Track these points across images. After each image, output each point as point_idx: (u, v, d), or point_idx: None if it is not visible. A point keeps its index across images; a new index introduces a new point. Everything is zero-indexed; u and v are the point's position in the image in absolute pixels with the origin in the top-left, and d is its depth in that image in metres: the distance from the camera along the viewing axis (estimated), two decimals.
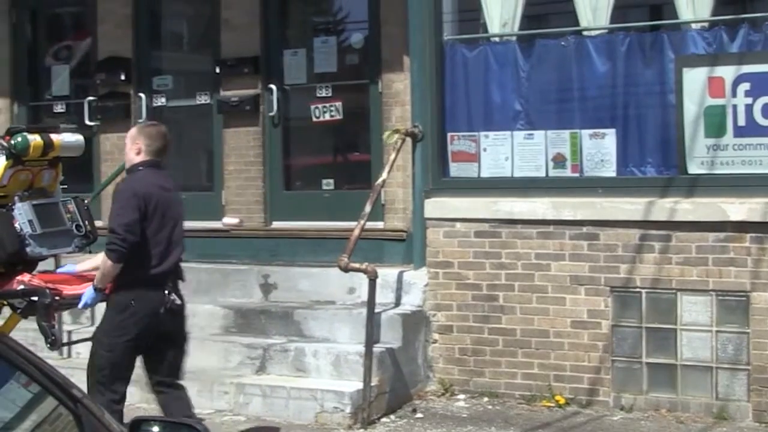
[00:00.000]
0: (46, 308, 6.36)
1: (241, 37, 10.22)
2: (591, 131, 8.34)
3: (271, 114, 10.16)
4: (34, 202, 6.67)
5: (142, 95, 10.84)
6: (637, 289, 7.98)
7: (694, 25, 8.06)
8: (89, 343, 6.83)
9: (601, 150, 8.29)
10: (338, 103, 9.90)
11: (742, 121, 7.78)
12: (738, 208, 7.66)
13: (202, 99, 10.67)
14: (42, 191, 6.85)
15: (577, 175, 8.38)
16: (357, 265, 8.17)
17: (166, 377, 6.62)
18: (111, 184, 9.39)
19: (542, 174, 8.49)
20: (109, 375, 6.43)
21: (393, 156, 8.70)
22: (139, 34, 10.96)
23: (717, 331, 7.73)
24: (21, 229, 6.55)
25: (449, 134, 8.81)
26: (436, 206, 8.69)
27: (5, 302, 6.62)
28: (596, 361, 8.09)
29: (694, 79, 7.92)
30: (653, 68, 8.18)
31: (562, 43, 8.51)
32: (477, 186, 8.68)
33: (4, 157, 6.63)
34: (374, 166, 9.48)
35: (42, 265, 6.99)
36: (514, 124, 8.64)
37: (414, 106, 8.93)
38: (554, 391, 8.18)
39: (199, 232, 10.15)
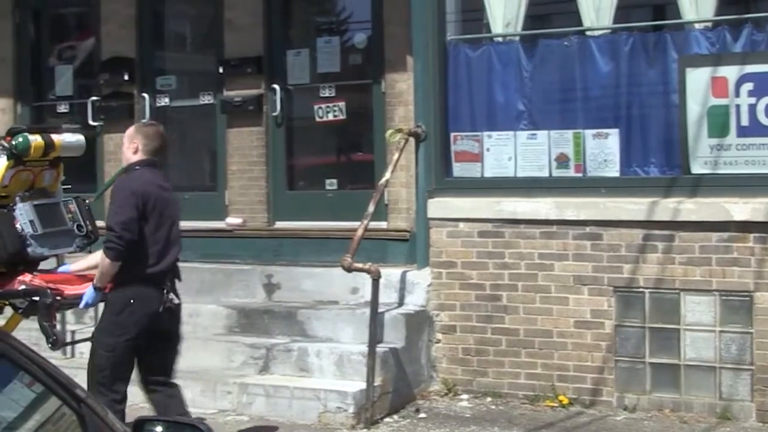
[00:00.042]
0: (47, 308, 6.38)
1: (245, 37, 10.22)
2: (594, 131, 8.34)
3: (274, 114, 10.16)
4: (36, 203, 6.68)
5: (146, 95, 10.85)
6: (641, 289, 7.97)
7: (697, 25, 8.05)
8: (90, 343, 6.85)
9: (604, 150, 8.28)
10: (341, 103, 9.90)
11: (745, 121, 7.77)
12: (741, 208, 7.65)
13: (206, 99, 10.67)
14: (43, 191, 6.86)
15: (580, 175, 8.38)
16: (360, 265, 8.18)
17: (161, 376, 6.63)
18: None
19: (545, 174, 8.48)
20: (110, 375, 6.43)
21: (396, 156, 8.70)
22: (142, 35, 10.96)
23: (720, 331, 7.73)
24: (22, 230, 6.57)
25: (452, 134, 8.81)
26: (439, 206, 8.69)
27: (7, 302, 6.64)
28: (599, 361, 8.09)
29: (698, 79, 7.91)
30: (656, 68, 8.17)
31: (565, 43, 8.51)
32: (480, 186, 8.67)
33: (5, 158, 6.64)
34: (377, 166, 9.48)
35: (43, 265, 7.00)
36: (518, 124, 8.63)
37: (417, 106, 8.93)
38: (558, 391, 8.18)
39: (203, 232, 10.18)
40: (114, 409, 5.96)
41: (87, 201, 7.14)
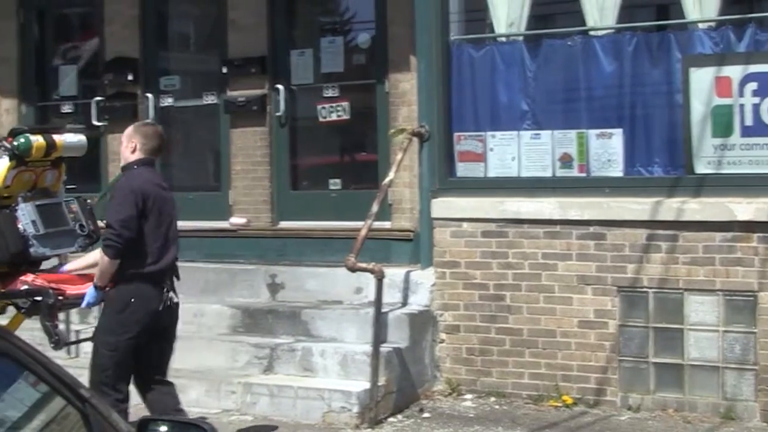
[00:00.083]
0: (49, 308, 6.40)
1: (248, 38, 10.23)
2: (598, 131, 8.34)
3: (278, 114, 10.16)
4: (38, 203, 6.70)
5: (150, 95, 10.86)
6: (644, 289, 7.97)
7: (701, 25, 8.05)
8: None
9: (608, 150, 8.28)
10: (345, 103, 9.90)
11: (749, 121, 7.77)
12: (745, 208, 7.65)
13: (210, 99, 10.68)
14: (45, 191, 6.88)
15: (584, 175, 8.38)
16: (364, 265, 8.18)
17: (156, 374, 6.66)
18: None
19: (549, 174, 8.48)
20: (113, 374, 6.44)
21: (400, 156, 8.70)
22: (146, 35, 10.97)
23: (724, 331, 7.73)
24: (24, 230, 6.58)
25: (456, 134, 8.81)
26: (443, 206, 8.69)
27: (10, 302, 6.66)
28: (603, 360, 8.09)
29: (701, 78, 7.91)
30: (660, 68, 8.17)
31: (569, 43, 8.51)
32: (484, 186, 8.67)
33: (7, 158, 6.66)
34: (381, 166, 9.49)
35: (44, 265, 7.01)
36: (521, 124, 8.63)
37: (421, 106, 8.94)
38: (561, 390, 8.18)
39: (207, 232, 10.19)
40: (118, 409, 5.96)
41: (89, 201, 7.16)
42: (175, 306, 6.64)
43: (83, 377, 6.22)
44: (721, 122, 7.84)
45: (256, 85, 10.23)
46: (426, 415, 8.08)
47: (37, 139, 6.67)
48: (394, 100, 9.50)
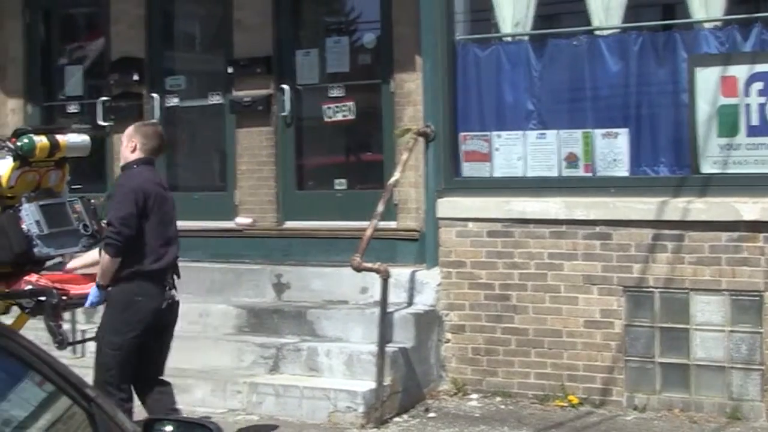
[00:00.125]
0: (53, 308, 6.42)
1: (254, 38, 10.23)
2: (603, 131, 8.33)
3: (283, 114, 10.17)
4: (41, 203, 6.72)
5: (155, 95, 10.87)
6: (650, 289, 7.97)
7: (706, 25, 8.04)
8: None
9: (613, 150, 8.28)
10: (350, 103, 9.90)
11: (755, 121, 7.76)
12: (751, 208, 7.64)
13: (215, 99, 10.69)
14: (49, 192, 6.90)
15: (589, 174, 8.37)
16: (370, 265, 8.18)
17: (154, 373, 6.66)
18: None
19: (555, 174, 8.48)
20: (118, 374, 6.44)
21: (405, 156, 8.70)
22: (152, 35, 10.98)
23: (730, 331, 7.72)
24: (28, 230, 6.60)
25: (461, 134, 8.81)
26: (448, 206, 8.69)
27: (14, 302, 6.67)
28: (609, 360, 8.08)
29: (707, 78, 7.90)
30: (666, 68, 8.16)
31: (575, 42, 8.50)
32: (489, 186, 8.67)
33: (11, 159, 6.68)
34: (387, 166, 9.48)
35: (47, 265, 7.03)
36: (527, 123, 8.63)
37: (426, 105, 8.94)
38: (567, 390, 8.18)
39: (212, 231, 10.20)
40: (123, 408, 5.98)
41: (93, 201, 7.17)
42: (176, 304, 6.67)
43: (89, 377, 6.24)
44: (727, 122, 7.83)
45: (261, 85, 10.23)
46: (432, 414, 8.08)
47: (41, 140, 6.69)
48: (400, 100, 9.50)
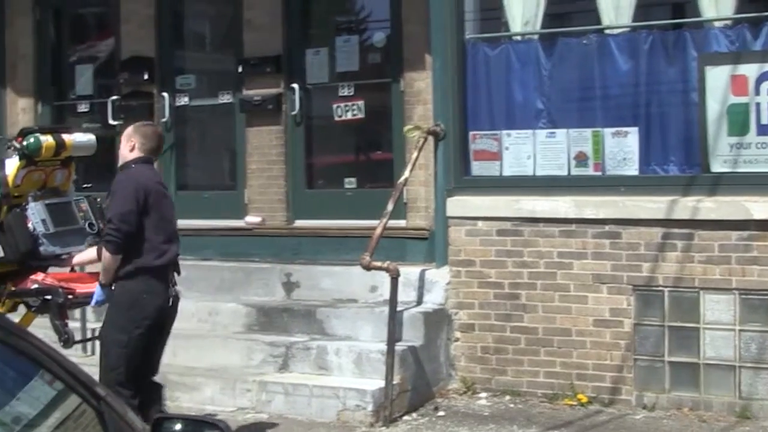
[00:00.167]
0: (59, 307, 6.44)
1: (264, 37, 10.25)
2: (613, 130, 8.32)
3: (293, 113, 10.18)
4: (47, 202, 6.74)
5: (166, 94, 10.89)
6: (660, 288, 7.96)
7: (717, 23, 8.03)
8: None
9: (623, 148, 8.27)
10: (360, 102, 9.91)
11: (765, 119, 7.75)
12: (761, 207, 7.63)
13: (225, 98, 10.70)
14: (55, 191, 6.92)
15: (599, 173, 8.37)
16: (379, 264, 8.19)
17: (149, 371, 6.68)
18: None
19: (564, 172, 8.47)
20: (125, 372, 6.44)
21: (415, 154, 8.70)
22: (162, 34, 11.00)
23: (740, 330, 7.71)
24: (34, 229, 6.62)
25: (471, 133, 8.81)
26: (458, 205, 8.69)
27: (20, 300, 6.70)
28: (619, 359, 8.08)
29: (717, 77, 7.89)
30: (676, 66, 8.15)
31: (585, 41, 8.50)
32: (499, 184, 8.67)
33: (17, 158, 6.71)
34: (396, 165, 9.49)
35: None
36: (536, 122, 8.63)
37: (436, 104, 8.94)
38: (576, 389, 8.17)
39: (222, 230, 10.22)
40: (131, 406, 5.99)
41: (99, 200, 7.20)
42: (178, 301, 6.70)
43: (98, 375, 6.25)
44: (737, 121, 7.81)
45: (271, 84, 10.24)
46: (441, 413, 8.08)
47: (47, 139, 6.72)
48: (409, 99, 9.50)
